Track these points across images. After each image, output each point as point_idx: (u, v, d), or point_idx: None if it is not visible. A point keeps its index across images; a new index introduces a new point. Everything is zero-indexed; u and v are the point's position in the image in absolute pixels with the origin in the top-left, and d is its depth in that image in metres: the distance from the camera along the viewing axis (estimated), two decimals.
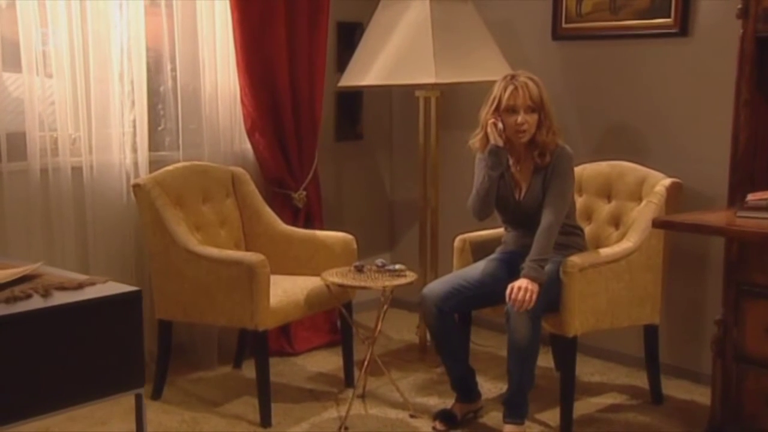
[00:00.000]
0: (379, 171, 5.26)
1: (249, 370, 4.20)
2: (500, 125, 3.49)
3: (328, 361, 4.37)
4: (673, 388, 3.97)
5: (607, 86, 4.25)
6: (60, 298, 2.44)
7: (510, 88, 3.47)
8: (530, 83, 3.46)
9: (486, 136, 3.54)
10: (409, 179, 5.14)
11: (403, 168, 5.21)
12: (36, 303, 2.41)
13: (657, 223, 3.08)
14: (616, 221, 3.87)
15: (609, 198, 3.92)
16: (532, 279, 3.32)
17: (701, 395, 3.90)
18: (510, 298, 3.31)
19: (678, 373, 4.07)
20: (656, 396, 3.86)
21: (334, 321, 4.63)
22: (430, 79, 3.98)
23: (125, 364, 2.48)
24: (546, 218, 3.45)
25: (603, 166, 3.97)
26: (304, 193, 4.48)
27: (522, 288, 3.29)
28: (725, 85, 3.77)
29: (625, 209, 3.84)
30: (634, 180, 3.84)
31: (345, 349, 4.03)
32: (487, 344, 4.49)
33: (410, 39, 4.09)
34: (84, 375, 2.42)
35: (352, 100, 5.00)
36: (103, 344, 2.44)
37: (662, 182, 3.72)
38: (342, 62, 4.81)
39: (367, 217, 5.04)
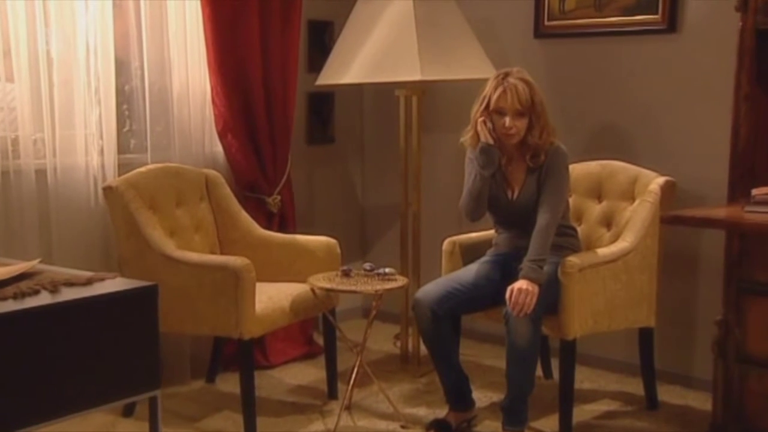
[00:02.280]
0: (350, 175, 5.22)
1: (223, 384, 4.15)
2: (490, 124, 3.49)
3: (307, 373, 4.32)
4: (664, 393, 3.99)
5: (592, 85, 4.29)
6: (69, 294, 2.35)
7: (499, 90, 3.47)
8: (520, 85, 3.45)
9: (477, 134, 3.55)
10: (382, 183, 5.12)
11: (376, 172, 5.19)
12: (44, 299, 2.32)
13: (666, 219, 3.09)
14: (607, 221, 3.89)
15: (600, 198, 3.95)
16: (532, 280, 3.32)
17: (695, 400, 3.94)
18: (510, 301, 3.29)
19: (669, 378, 4.09)
20: (651, 401, 3.88)
21: (309, 332, 4.59)
22: (416, 76, 3.96)
23: (140, 364, 2.39)
24: (542, 218, 3.45)
25: (593, 166, 3.99)
26: (279, 197, 4.42)
27: (522, 290, 3.29)
28: (715, 82, 3.85)
29: (617, 209, 3.86)
30: (626, 179, 3.86)
31: (328, 359, 3.98)
32: (468, 353, 4.46)
33: (393, 35, 4.08)
34: (96, 376, 2.32)
35: (323, 103, 4.96)
36: (117, 343, 2.35)
37: (656, 181, 3.75)
38: (313, 62, 4.79)
39: (339, 223, 4.99)
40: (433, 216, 4.62)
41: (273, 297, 3.64)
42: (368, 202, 5.27)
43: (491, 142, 3.49)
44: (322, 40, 4.88)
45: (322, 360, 4.31)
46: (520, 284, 3.31)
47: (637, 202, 3.77)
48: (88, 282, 2.47)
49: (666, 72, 4.05)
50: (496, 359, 4.44)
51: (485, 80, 3.78)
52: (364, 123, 5.24)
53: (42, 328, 2.26)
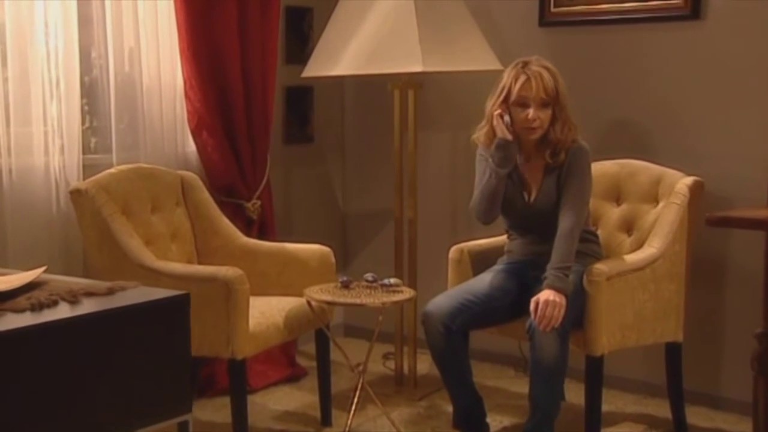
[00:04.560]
0: (331, 178, 5.11)
1: (201, 411, 4.00)
2: (507, 118, 3.43)
3: (292, 398, 4.19)
4: (691, 415, 3.88)
5: (605, 78, 4.23)
6: (92, 306, 2.21)
7: (522, 78, 3.41)
8: (545, 73, 3.41)
9: (492, 130, 3.47)
10: (365, 187, 5.03)
11: (358, 175, 5.09)
12: (65, 311, 2.17)
13: (712, 221, 3.02)
14: (628, 226, 3.82)
15: (618, 201, 3.88)
16: (558, 290, 3.24)
17: (725, 422, 3.89)
18: (536, 313, 3.21)
19: (694, 398, 3.99)
20: (680, 424, 3.80)
21: (292, 353, 4.46)
22: (416, 68, 3.87)
23: (170, 384, 2.24)
24: (565, 221, 3.38)
25: (609, 166, 3.92)
26: (259, 202, 4.29)
27: (549, 301, 3.20)
28: (745, 73, 3.82)
29: (639, 213, 3.79)
30: (648, 180, 3.80)
31: (321, 381, 3.85)
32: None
33: (390, 23, 3.99)
34: (121, 399, 2.20)
35: (302, 99, 4.84)
36: (145, 361, 2.23)
37: (683, 181, 3.69)
38: (291, 52, 4.69)
39: (319, 230, 4.86)
40: (425, 222, 4.51)
41: (265, 312, 3.51)
42: (350, 208, 5.16)
43: (509, 137, 3.42)
44: (300, 28, 4.76)
45: (306, 383, 4.22)
46: (546, 295, 3.22)
47: (661, 204, 3.71)
48: (110, 292, 2.34)
49: (689, 63, 4.00)
50: (499, 379, 4.38)
51: (485, 72, 3.72)
52: (345, 121, 5.13)
53: (63, 344, 2.11)
